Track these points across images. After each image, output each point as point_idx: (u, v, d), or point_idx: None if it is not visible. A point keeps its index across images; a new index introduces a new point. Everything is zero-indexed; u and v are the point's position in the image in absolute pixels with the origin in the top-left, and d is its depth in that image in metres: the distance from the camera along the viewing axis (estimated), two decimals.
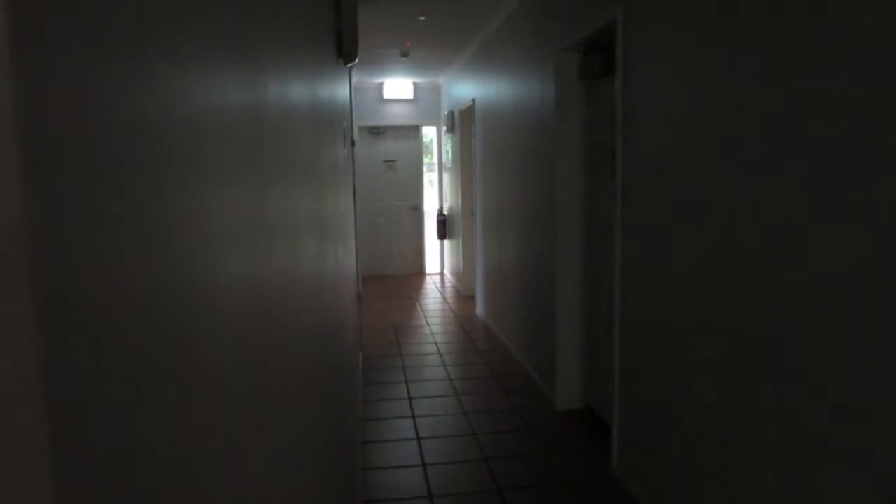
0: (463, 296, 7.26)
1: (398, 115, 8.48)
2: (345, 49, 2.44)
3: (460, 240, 7.30)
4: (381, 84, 8.30)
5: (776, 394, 1.77)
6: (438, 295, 7.51)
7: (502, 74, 4.99)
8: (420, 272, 8.94)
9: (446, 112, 7.80)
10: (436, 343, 5.35)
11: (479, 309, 6.24)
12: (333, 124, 2.19)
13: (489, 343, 5.29)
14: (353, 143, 4.22)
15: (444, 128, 8.06)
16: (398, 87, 8.35)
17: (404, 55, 6.13)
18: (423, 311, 6.65)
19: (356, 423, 3.25)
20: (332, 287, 1.96)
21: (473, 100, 6.14)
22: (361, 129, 8.35)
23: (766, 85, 1.77)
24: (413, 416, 3.74)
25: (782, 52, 1.70)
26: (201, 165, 0.42)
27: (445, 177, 8.35)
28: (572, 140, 3.63)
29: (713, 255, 2.07)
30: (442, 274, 8.84)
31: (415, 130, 8.70)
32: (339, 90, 2.61)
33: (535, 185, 4.14)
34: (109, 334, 0.28)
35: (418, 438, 3.43)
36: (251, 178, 0.55)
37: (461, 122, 7.00)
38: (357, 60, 2.59)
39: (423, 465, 3.13)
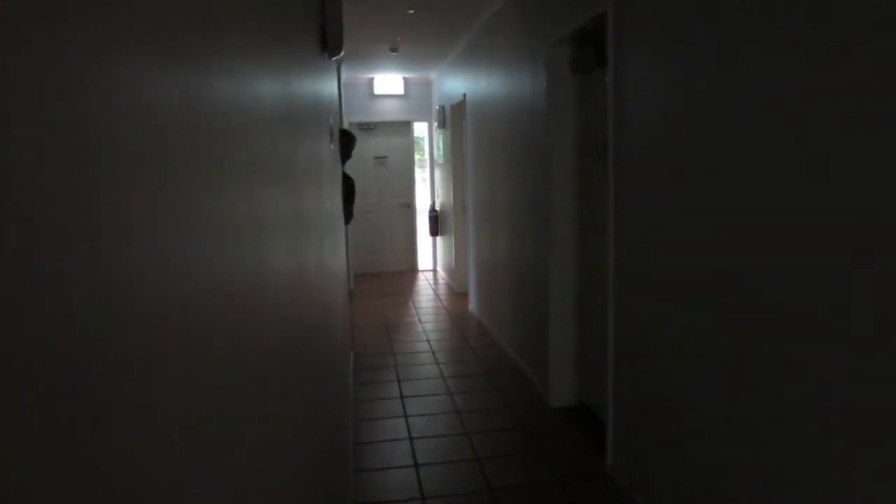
0: (456, 292, 7.21)
1: (389, 111, 8.41)
2: (329, 41, 2.37)
3: (452, 236, 7.25)
4: (372, 79, 8.23)
5: (778, 392, 1.73)
6: (431, 292, 7.46)
7: (493, 69, 4.93)
8: (412, 269, 8.89)
9: (437, 107, 7.74)
10: (428, 341, 5.30)
11: (472, 305, 6.20)
12: (317, 120, 2.12)
13: (482, 340, 5.24)
14: (349, 136, 4.11)
15: (436, 123, 8.00)
16: (388, 82, 8.27)
17: (394, 50, 6.06)
18: (415, 308, 6.59)
19: (347, 423, 3.20)
20: (316, 286, 1.90)
21: (464, 95, 6.09)
22: (351, 125, 8.27)
23: (764, 76, 1.73)
24: (405, 416, 3.69)
25: (781, 44, 1.66)
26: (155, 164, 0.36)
27: (437, 173, 8.29)
28: (564, 135, 3.58)
29: (709, 250, 2.03)
30: (434, 270, 8.79)
31: (406, 126, 8.63)
32: (324, 84, 2.54)
33: (528, 181, 4.09)
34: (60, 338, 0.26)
35: (410, 438, 3.38)
36: (192, 177, 0.50)
37: (452, 117, 6.94)
38: (342, 53, 2.53)
39: (416, 465, 3.08)
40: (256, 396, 0.69)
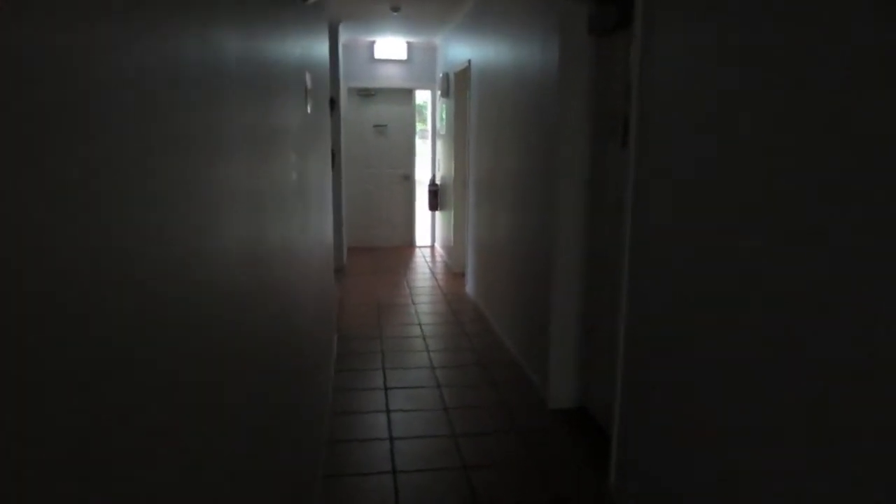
0: (453, 272, 6.85)
1: (390, 77, 7.94)
2: None
3: (452, 212, 6.87)
4: (373, 43, 7.76)
5: (820, 403, 1.37)
6: (427, 270, 7.11)
7: (500, 31, 4.50)
8: (410, 245, 8.52)
9: (441, 74, 7.29)
10: (420, 325, 4.96)
11: (470, 287, 5.84)
12: (270, 80, 1.75)
13: (477, 326, 4.90)
14: (332, 102, 3.74)
15: (439, 92, 7.55)
16: (390, 46, 7.80)
17: (395, 9, 5.61)
18: (409, 287, 6.25)
19: (321, 420, 2.88)
20: (280, 262, 1.60)
21: (469, 61, 5.65)
22: (351, 90, 7.84)
23: (829, 39, 1.33)
24: (388, 411, 3.36)
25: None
26: None
27: (439, 144, 7.87)
28: (577, 105, 3.17)
29: (748, 242, 1.65)
30: (433, 247, 8.42)
31: (408, 94, 8.18)
32: (293, 39, 2.15)
33: (534, 156, 3.70)
34: None
35: (391, 438, 3.05)
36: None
37: (456, 85, 6.50)
38: None
39: (394, 471, 2.75)
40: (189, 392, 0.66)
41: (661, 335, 2.16)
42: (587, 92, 3.16)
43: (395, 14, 5.87)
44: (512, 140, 4.20)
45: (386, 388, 3.67)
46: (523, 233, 3.95)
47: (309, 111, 2.49)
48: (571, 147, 3.20)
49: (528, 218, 3.85)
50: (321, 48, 3.48)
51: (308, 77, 2.47)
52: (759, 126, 1.61)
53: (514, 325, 4.18)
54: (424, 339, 4.60)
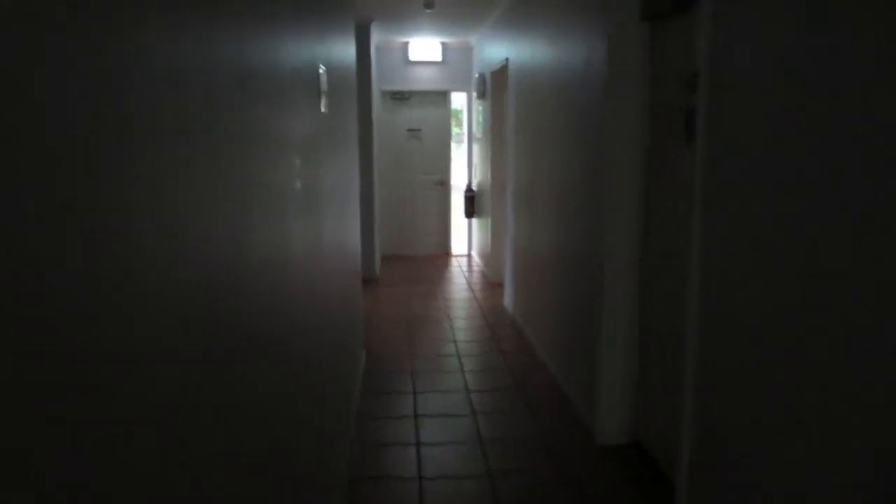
0: (490, 282, 6.50)
1: (425, 79, 7.66)
2: None
3: (489, 219, 6.52)
4: (406, 44, 7.48)
5: None
6: (464, 280, 6.77)
7: (541, 24, 4.15)
8: (445, 253, 8.20)
9: (477, 75, 6.96)
10: (455, 342, 4.62)
11: (508, 300, 5.48)
12: (282, 78, 1.46)
13: (517, 344, 4.53)
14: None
15: (475, 93, 7.22)
16: (425, 47, 7.51)
17: (428, 6, 5.31)
18: (444, 299, 5.92)
19: (341, 455, 2.57)
20: (281, 271, 1.33)
21: (507, 59, 5.31)
22: (384, 93, 7.58)
23: None
24: (418, 444, 3.03)
25: None
26: None
27: (475, 148, 7.54)
28: (628, 101, 2.80)
29: (857, 258, 1.27)
30: (469, 255, 8.08)
31: (443, 96, 7.87)
32: (307, 33, 1.85)
33: (580, 158, 3.34)
34: None
35: (420, 478, 2.72)
36: None
37: (493, 86, 6.17)
38: None
39: None
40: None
41: (740, 361, 1.78)
42: (639, 85, 2.79)
43: (429, 11, 5.57)
44: (554, 141, 3.84)
45: (416, 416, 3.34)
46: (568, 243, 3.59)
47: (323, 110, 2.19)
48: (622, 147, 2.83)
49: (572, 227, 3.48)
50: (343, 44, 3.19)
51: (323, 74, 2.17)
52: (869, 115, 1.23)
53: (557, 346, 3.81)
54: (459, 357, 4.27)
